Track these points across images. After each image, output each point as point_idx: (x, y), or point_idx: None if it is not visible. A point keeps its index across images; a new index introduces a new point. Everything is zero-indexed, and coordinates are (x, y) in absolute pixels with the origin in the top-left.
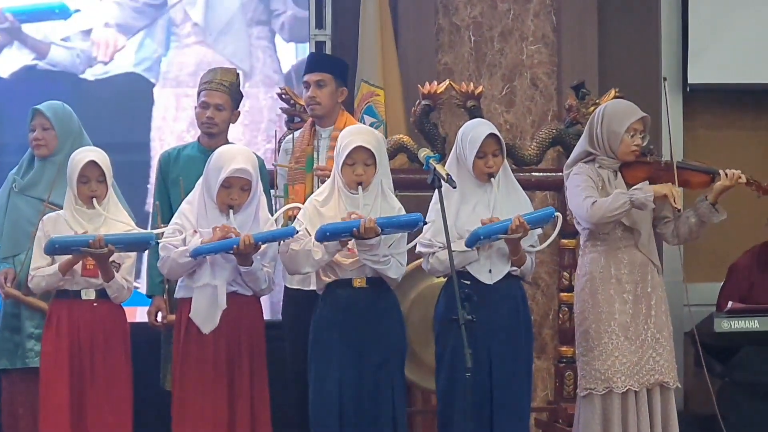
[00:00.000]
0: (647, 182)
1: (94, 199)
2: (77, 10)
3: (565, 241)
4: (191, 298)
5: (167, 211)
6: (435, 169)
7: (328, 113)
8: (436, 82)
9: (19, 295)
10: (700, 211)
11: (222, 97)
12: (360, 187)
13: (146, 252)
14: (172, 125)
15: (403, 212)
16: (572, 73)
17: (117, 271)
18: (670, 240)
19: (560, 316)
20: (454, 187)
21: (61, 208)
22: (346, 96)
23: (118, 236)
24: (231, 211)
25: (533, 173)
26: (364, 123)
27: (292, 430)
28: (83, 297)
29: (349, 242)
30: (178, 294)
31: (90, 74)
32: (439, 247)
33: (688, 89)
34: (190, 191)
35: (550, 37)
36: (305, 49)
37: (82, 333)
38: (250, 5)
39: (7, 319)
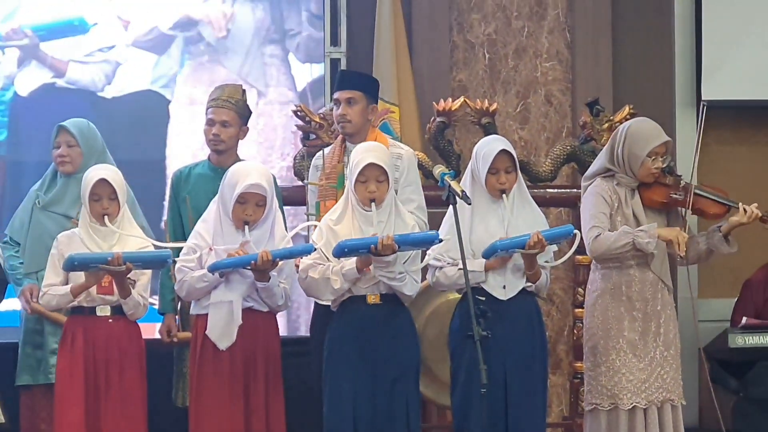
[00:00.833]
0: (655, 224)
1: (106, 217)
2: (95, 24)
3: (579, 257)
4: (207, 314)
5: (179, 229)
6: (450, 185)
7: (358, 131)
8: (450, 99)
9: (44, 311)
10: (711, 242)
11: (228, 113)
12: (373, 203)
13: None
14: (187, 143)
15: (417, 229)
16: (586, 90)
17: (133, 288)
18: (678, 261)
19: (575, 331)
20: (469, 204)
21: None
22: (377, 113)
23: (135, 254)
24: (246, 227)
25: (548, 190)
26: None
27: None
28: (99, 313)
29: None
30: (194, 310)
31: (107, 92)
32: (448, 263)
33: (702, 105)
34: (198, 208)
35: (564, 54)
36: (320, 68)
37: (97, 350)
38: (263, 24)
39: (29, 335)
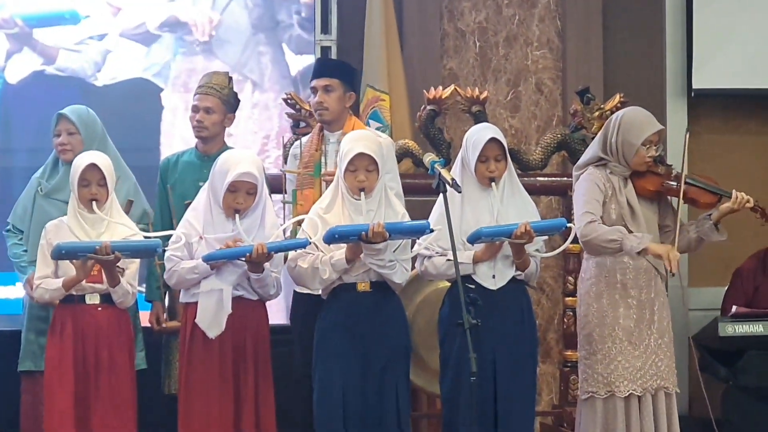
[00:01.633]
0: (651, 237)
1: (94, 203)
2: (87, 16)
3: (570, 245)
4: (197, 302)
5: (167, 217)
6: (440, 173)
7: (336, 118)
8: (441, 87)
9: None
10: (702, 230)
11: (212, 100)
12: (362, 193)
13: None
14: (181, 131)
15: (407, 218)
16: (577, 78)
17: (122, 276)
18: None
19: (565, 320)
20: (459, 192)
21: None
22: (354, 101)
23: (124, 243)
24: (237, 215)
25: (538, 178)
26: (369, 128)
27: None
28: (88, 302)
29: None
30: (183, 299)
31: (99, 79)
32: (437, 252)
33: (692, 94)
34: (184, 196)
35: (555, 43)
36: (311, 58)
37: (86, 338)
38: (254, 14)
39: (33, 322)
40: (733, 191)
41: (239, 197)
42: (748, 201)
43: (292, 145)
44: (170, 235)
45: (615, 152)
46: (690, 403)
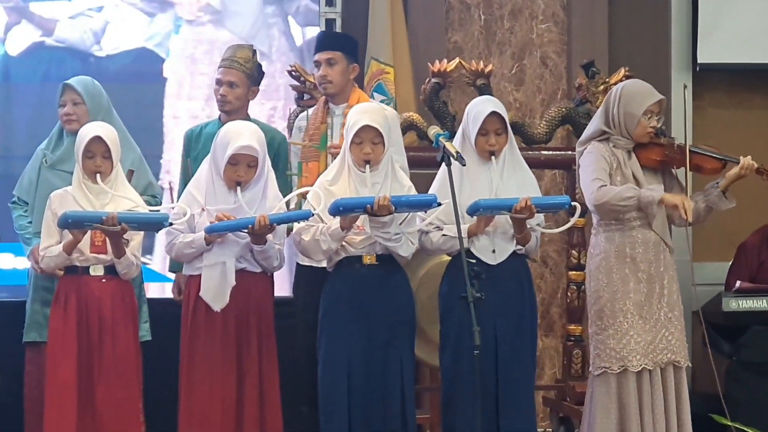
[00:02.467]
0: (662, 186)
1: (98, 176)
2: None
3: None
4: (199, 275)
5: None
6: (444, 146)
7: (340, 91)
8: (446, 60)
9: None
10: (710, 198)
11: (236, 74)
12: (368, 165)
13: None
14: (186, 103)
15: (413, 191)
16: (582, 52)
17: (127, 247)
18: (677, 222)
19: (568, 294)
20: (464, 165)
21: None
22: (357, 72)
23: (132, 215)
24: (239, 188)
25: (542, 152)
26: (374, 100)
27: (301, 406)
28: (92, 273)
29: (359, 220)
30: (186, 271)
31: (100, 50)
32: (435, 227)
33: (697, 68)
34: None
35: (560, 16)
36: (314, 30)
37: (90, 309)
38: None
39: (38, 293)
40: (741, 157)
41: (240, 170)
42: (754, 166)
43: (297, 117)
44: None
45: (617, 124)
46: (693, 378)
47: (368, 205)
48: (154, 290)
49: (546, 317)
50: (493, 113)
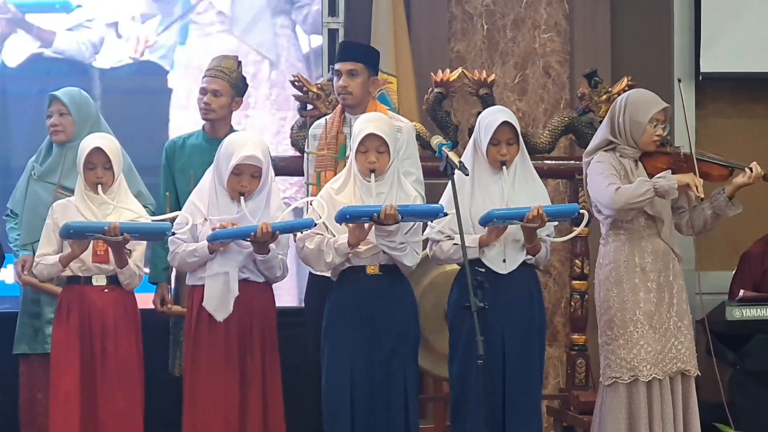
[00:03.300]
0: (669, 171)
1: (99, 187)
2: (79, 6)
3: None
4: (202, 285)
5: (173, 199)
6: (447, 156)
7: (359, 103)
8: (448, 70)
9: (36, 283)
10: (717, 204)
11: (219, 83)
12: (373, 174)
13: None
14: (194, 114)
15: (419, 201)
16: (585, 62)
17: (129, 258)
18: (685, 231)
19: (572, 303)
20: (467, 174)
21: (73, 193)
22: (377, 85)
23: (134, 225)
24: (242, 198)
25: (545, 161)
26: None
27: (306, 416)
28: (94, 283)
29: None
30: (190, 281)
31: (103, 62)
32: (446, 236)
33: (700, 78)
34: (196, 180)
35: (562, 25)
36: (320, 39)
37: (93, 319)
38: None
39: (27, 305)
40: (746, 166)
41: (244, 180)
42: (760, 173)
43: (299, 128)
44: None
45: (623, 133)
46: (696, 387)
47: (375, 214)
48: None
49: (550, 327)
50: (505, 123)
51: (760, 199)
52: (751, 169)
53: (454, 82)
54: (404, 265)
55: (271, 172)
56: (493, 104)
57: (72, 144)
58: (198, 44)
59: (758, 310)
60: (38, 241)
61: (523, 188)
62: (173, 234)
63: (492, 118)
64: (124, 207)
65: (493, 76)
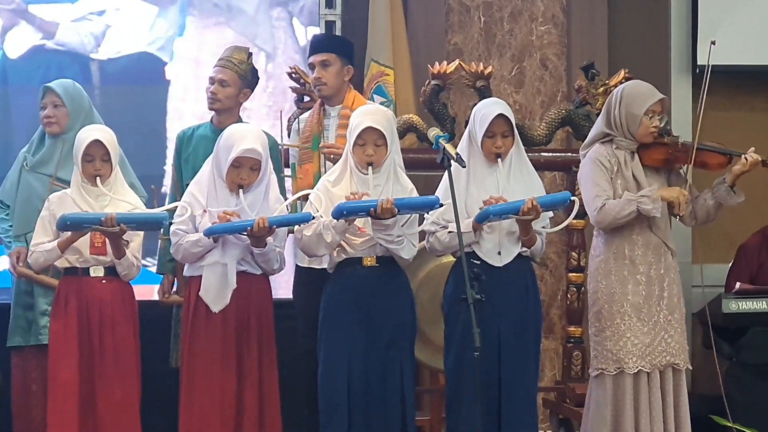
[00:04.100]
0: (656, 186)
1: (98, 178)
2: None
3: (573, 221)
4: (200, 276)
5: (180, 190)
6: (444, 148)
7: (334, 93)
8: (445, 62)
9: (31, 274)
10: (718, 194)
11: (227, 73)
12: (370, 167)
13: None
14: (192, 106)
15: (415, 193)
16: (582, 54)
17: (127, 248)
18: (688, 222)
19: (568, 296)
20: (464, 167)
21: (69, 185)
22: (353, 74)
23: (130, 215)
24: (241, 190)
25: (542, 154)
26: (372, 102)
27: (301, 409)
28: (92, 274)
29: (360, 222)
30: (187, 272)
31: (102, 54)
32: (442, 227)
33: (697, 70)
34: (195, 170)
35: (559, 18)
36: (317, 31)
37: (90, 310)
38: None
39: (21, 297)
40: (743, 154)
41: (243, 173)
42: (758, 159)
43: (295, 119)
44: (176, 209)
45: (619, 125)
46: (693, 380)
47: (372, 209)
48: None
49: (546, 319)
50: (500, 115)
51: (758, 192)
52: (747, 157)
53: (451, 75)
54: (401, 258)
55: (270, 164)
56: (490, 96)
57: (66, 136)
58: (196, 36)
59: (755, 302)
60: (31, 232)
61: (518, 180)
62: (170, 224)
63: (487, 110)
64: (121, 198)
65: (490, 69)
